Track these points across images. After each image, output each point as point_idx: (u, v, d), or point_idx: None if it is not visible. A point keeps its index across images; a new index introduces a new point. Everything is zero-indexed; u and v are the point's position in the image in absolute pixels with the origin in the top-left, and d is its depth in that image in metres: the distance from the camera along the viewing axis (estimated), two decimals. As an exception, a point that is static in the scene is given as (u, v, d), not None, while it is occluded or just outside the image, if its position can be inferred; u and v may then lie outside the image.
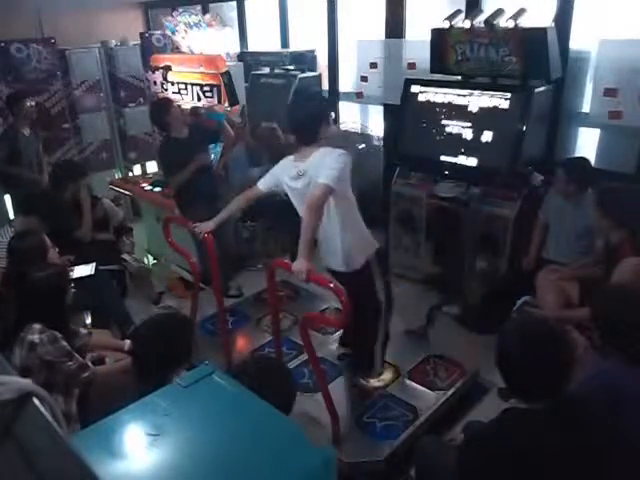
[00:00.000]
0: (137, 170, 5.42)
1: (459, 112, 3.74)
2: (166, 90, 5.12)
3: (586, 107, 3.57)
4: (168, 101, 4.07)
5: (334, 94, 5.28)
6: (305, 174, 2.47)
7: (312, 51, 5.24)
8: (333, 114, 2.63)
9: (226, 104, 4.50)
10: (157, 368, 1.88)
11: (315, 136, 2.49)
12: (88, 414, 2.26)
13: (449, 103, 3.81)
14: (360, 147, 4.53)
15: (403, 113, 4.09)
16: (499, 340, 1.58)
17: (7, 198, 4.96)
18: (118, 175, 5.87)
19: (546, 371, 1.46)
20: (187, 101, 4.86)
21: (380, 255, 2.74)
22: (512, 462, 1.45)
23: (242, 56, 5.69)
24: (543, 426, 1.46)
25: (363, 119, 5.13)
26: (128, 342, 2.85)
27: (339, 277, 2.53)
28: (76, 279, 3.09)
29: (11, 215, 4.74)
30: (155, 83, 5.29)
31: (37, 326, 2.24)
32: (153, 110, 3.98)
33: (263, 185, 2.70)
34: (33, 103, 4.57)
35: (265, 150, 4.46)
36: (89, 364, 2.41)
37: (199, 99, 4.71)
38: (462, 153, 3.73)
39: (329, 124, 2.55)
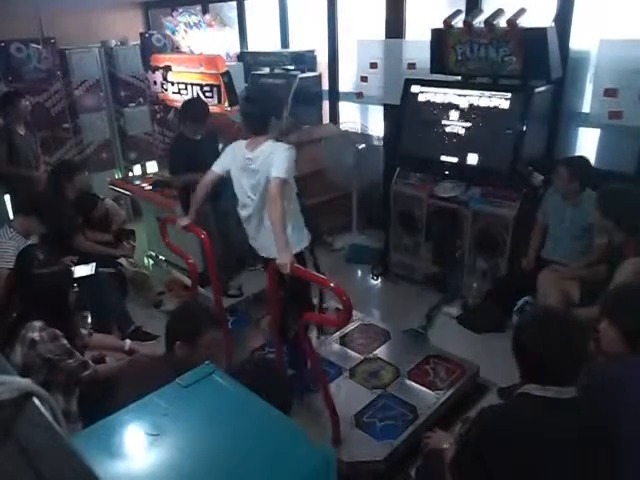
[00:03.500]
0: (137, 170, 5.42)
1: (459, 112, 3.74)
2: (166, 90, 5.12)
3: (586, 107, 3.57)
4: (206, 107, 3.99)
5: (334, 94, 5.29)
6: (253, 163, 2.62)
7: (312, 51, 5.24)
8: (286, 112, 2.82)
9: (226, 104, 4.50)
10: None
11: (264, 127, 2.64)
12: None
13: (449, 103, 3.81)
14: (360, 147, 4.53)
15: (403, 113, 4.08)
16: (516, 327, 1.63)
17: (7, 198, 4.95)
18: (118, 175, 5.87)
19: (564, 354, 1.49)
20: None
21: (312, 250, 2.97)
22: (525, 446, 1.47)
23: (242, 56, 5.69)
24: (561, 414, 1.49)
25: (363, 119, 5.13)
26: (128, 342, 2.85)
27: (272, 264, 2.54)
28: (76, 279, 3.08)
29: (11, 215, 4.74)
30: (155, 83, 5.29)
31: (37, 324, 2.25)
32: (193, 106, 3.96)
33: (217, 167, 2.80)
34: (27, 102, 4.57)
35: None
36: (90, 362, 2.41)
37: (199, 99, 4.71)
38: (462, 153, 3.73)
39: (280, 118, 2.72)
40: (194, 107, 3.94)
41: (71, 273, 2.53)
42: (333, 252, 4.80)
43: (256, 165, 2.61)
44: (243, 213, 2.82)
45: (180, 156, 3.78)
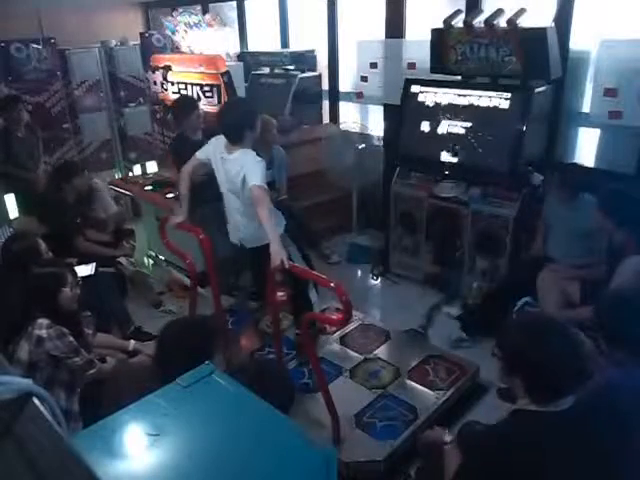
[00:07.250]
0: (137, 170, 5.41)
1: (459, 112, 3.74)
2: (166, 90, 5.13)
3: (586, 107, 3.57)
4: (193, 103, 3.99)
5: (334, 94, 5.29)
6: (228, 164, 2.81)
7: (312, 51, 5.24)
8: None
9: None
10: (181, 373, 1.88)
11: (240, 139, 2.78)
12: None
13: (449, 103, 3.80)
14: (360, 147, 4.53)
15: (403, 113, 4.08)
16: (508, 340, 1.58)
17: (7, 198, 4.95)
18: (118, 175, 5.86)
19: (561, 366, 1.43)
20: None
21: (293, 233, 3.20)
22: (524, 466, 1.43)
23: (242, 56, 5.69)
24: (559, 430, 1.44)
25: (363, 119, 5.12)
26: (132, 342, 2.85)
27: (253, 251, 2.94)
28: (76, 279, 3.08)
29: (11, 215, 4.73)
30: (155, 83, 5.29)
31: (45, 321, 2.26)
32: (178, 105, 3.98)
33: (201, 154, 2.98)
34: (25, 109, 4.58)
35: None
36: (95, 361, 2.42)
37: (199, 99, 4.71)
38: (462, 153, 3.73)
39: (255, 129, 2.82)
40: (179, 106, 3.93)
41: (63, 274, 2.51)
42: (330, 265, 4.59)
43: (230, 167, 2.80)
44: (224, 202, 3.01)
45: (180, 153, 3.74)
